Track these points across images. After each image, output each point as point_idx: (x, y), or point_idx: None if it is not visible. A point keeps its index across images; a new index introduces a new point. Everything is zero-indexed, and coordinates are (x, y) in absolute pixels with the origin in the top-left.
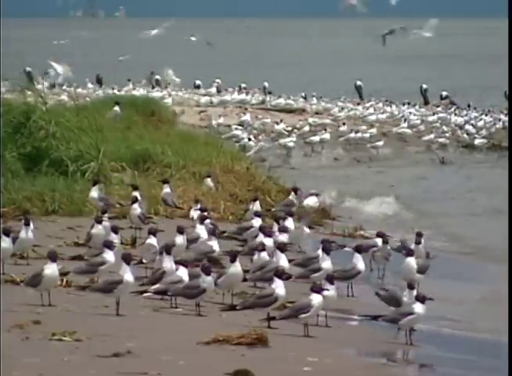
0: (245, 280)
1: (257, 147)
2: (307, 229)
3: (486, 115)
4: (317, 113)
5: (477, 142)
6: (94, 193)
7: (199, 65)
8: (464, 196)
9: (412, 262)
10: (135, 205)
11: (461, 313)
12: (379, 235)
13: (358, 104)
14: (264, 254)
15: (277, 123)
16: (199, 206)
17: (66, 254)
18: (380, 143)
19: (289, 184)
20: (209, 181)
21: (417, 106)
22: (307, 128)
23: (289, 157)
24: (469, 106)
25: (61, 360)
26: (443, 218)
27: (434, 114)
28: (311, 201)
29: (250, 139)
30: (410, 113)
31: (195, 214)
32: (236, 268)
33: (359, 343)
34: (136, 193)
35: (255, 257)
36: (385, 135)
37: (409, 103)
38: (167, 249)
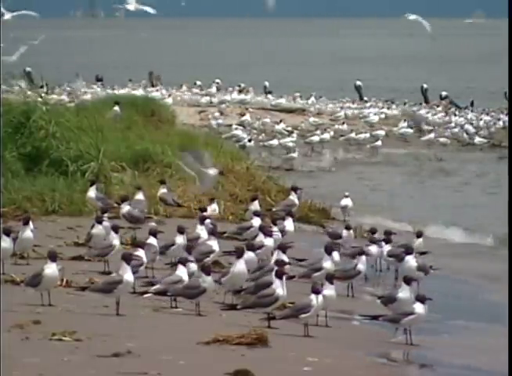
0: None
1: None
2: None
3: (487, 115)
4: (318, 113)
5: (476, 140)
6: (92, 193)
7: (199, 65)
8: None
9: (411, 260)
10: (123, 205)
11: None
12: (386, 233)
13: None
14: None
15: (277, 123)
16: (213, 205)
17: (66, 254)
18: (379, 143)
19: (289, 184)
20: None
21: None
22: (312, 129)
23: (289, 157)
24: (472, 104)
25: (61, 360)
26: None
27: (446, 115)
28: (348, 202)
29: (250, 140)
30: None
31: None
32: (241, 266)
33: (359, 343)
34: (140, 194)
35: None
36: (385, 135)
37: (420, 103)
38: (188, 250)
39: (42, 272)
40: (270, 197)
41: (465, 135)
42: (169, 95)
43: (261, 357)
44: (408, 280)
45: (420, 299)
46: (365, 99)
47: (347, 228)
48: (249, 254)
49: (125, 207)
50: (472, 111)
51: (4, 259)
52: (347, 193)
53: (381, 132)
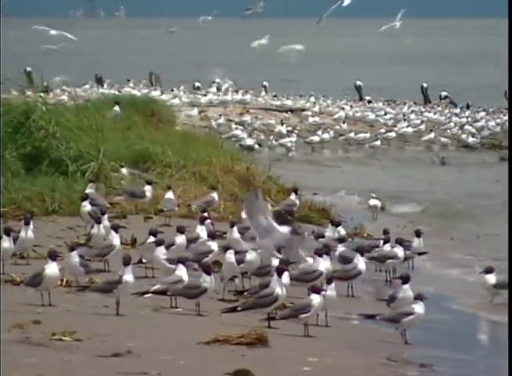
0: None
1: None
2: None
3: (487, 115)
4: (319, 113)
5: (470, 140)
6: (88, 191)
7: (199, 65)
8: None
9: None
10: (85, 203)
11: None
12: (385, 232)
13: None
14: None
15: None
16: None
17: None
18: (378, 143)
19: (289, 184)
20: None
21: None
22: (312, 129)
23: (289, 157)
24: (468, 106)
25: (61, 360)
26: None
27: (457, 116)
28: (376, 202)
29: (260, 145)
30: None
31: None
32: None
33: (359, 343)
34: (170, 194)
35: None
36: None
37: (414, 103)
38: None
39: (43, 272)
40: (270, 197)
41: (463, 135)
42: (174, 97)
43: (261, 357)
44: (405, 279)
45: (420, 298)
46: (369, 99)
47: (335, 224)
48: (252, 254)
49: (87, 206)
50: (469, 111)
51: (4, 259)
52: (373, 195)
53: (391, 134)
